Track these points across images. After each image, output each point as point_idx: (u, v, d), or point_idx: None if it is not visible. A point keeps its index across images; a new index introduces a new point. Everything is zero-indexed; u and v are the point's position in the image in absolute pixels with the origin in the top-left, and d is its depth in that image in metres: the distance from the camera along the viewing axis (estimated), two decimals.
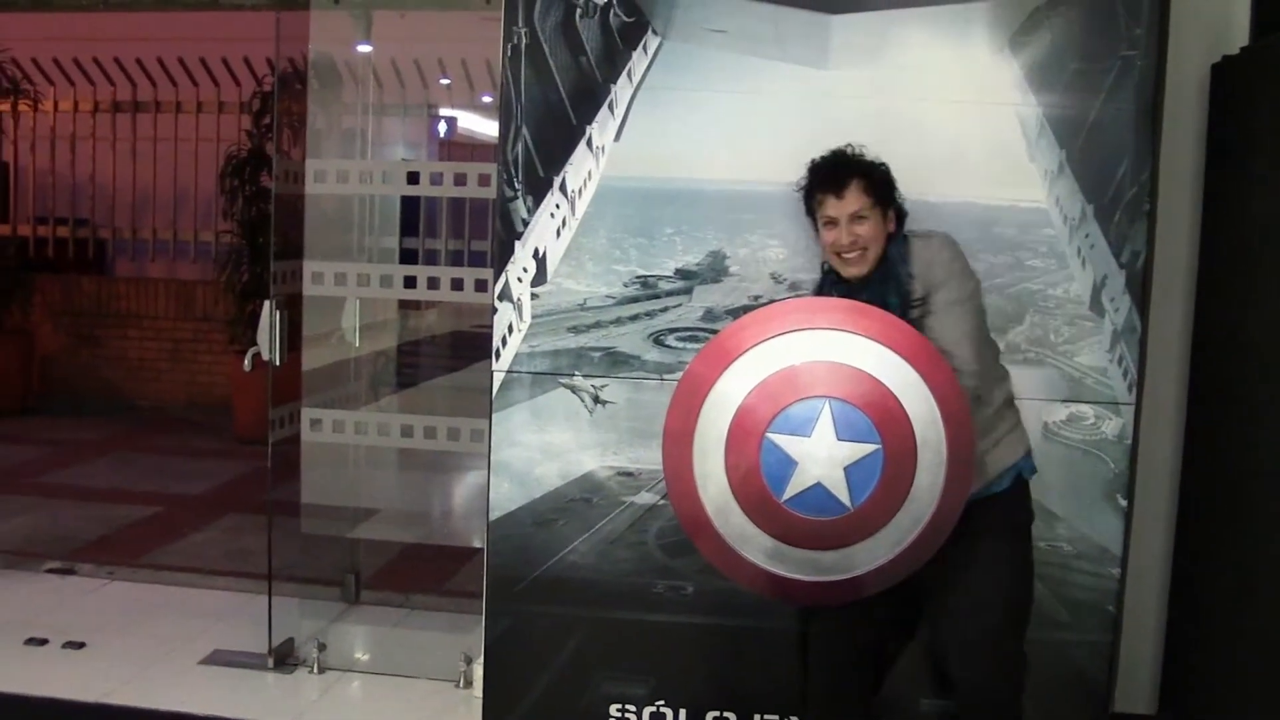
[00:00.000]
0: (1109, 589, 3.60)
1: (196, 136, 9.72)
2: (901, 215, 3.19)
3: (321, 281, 4.48)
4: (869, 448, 3.04)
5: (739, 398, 3.10)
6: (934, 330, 3.06)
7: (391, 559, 5.88)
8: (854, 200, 3.08)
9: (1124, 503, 3.59)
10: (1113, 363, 3.55)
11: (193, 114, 9.78)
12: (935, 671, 3.54)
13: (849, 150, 3.17)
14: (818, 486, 3.05)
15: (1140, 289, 3.52)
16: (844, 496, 3.04)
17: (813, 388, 3.07)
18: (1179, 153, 3.80)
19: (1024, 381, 3.43)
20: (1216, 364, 3.75)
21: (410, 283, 4.47)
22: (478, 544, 4.26)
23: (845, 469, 3.04)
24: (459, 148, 11.03)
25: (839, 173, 3.11)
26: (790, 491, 3.06)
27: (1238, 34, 3.86)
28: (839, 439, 3.04)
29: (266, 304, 4.45)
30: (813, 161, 3.19)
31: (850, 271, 3.12)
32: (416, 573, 5.75)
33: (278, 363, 4.46)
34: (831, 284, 3.23)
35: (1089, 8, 3.49)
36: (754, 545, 3.14)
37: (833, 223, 3.11)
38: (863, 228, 3.08)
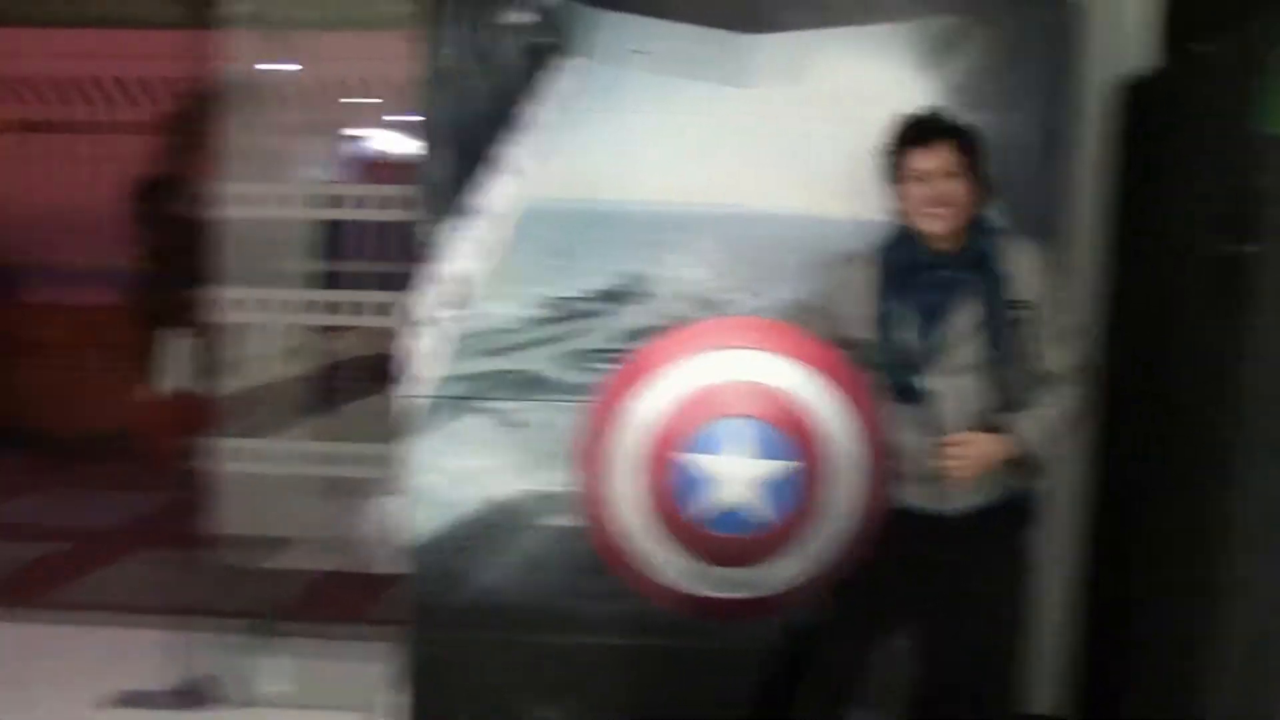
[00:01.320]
0: None
1: (106, 158, 9.71)
2: (991, 191, 3.18)
3: (240, 308, 4.57)
4: (785, 465, 3.19)
5: (654, 418, 3.24)
6: (1037, 354, 3.09)
7: (310, 588, 5.91)
8: (945, 155, 3.07)
9: None
10: None
11: (103, 134, 9.77)
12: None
13: (941, 110, 3.22)
14: (734, 505, 3.19)
15: None
16: (760, 514, 3.19)
17: (728, 406, 3.22)
18: (1089, 171, 3.98)
19: None
20: (1124, 366, 3.92)
21: (332, 308, 4.56)
22: (398, 570, 4.34)
23: (761, 486, 3.18)
24: (381, 169, 11.13)
25: (932, 127, 3.14)
26: (706, 510, 3.20)
27: (1143, 56, 4.06)
28: (755, 457, 3.18)
29: (180, 332, 4.52)
30: (902, 118, 3.20)
31: (936, 226, 3.08)
32: (336, 601, 5.79)
33: (194, 391, 4.55)
34: (905, 250, 3.17)
35: (1004, 30, 3.67)
36: (671, 565, 3.28)
37: (922, 178, 3.08)
38: (953, 185, 3.06)
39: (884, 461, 3.23)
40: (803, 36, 3.72)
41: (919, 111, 3.20)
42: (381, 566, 5.27)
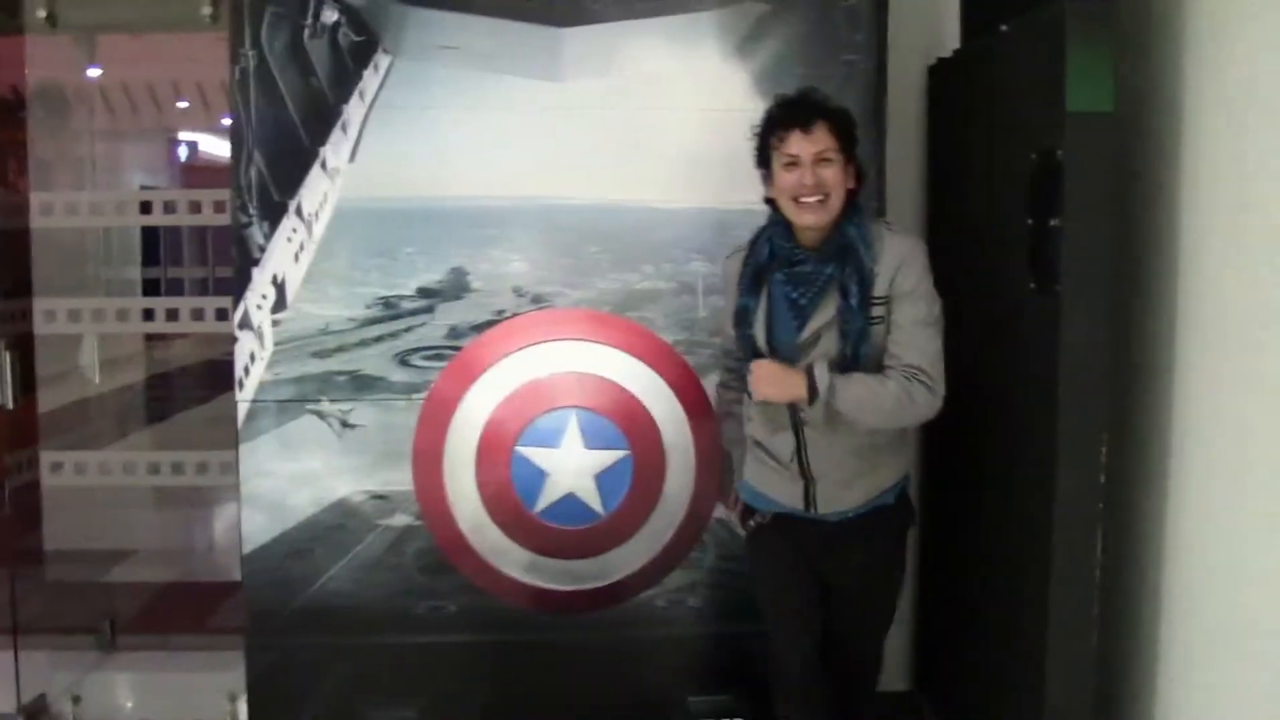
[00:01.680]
0: None
1: None
2: (863, 175, 3.10)
3: (54, 319, 4.52)
4: (618, 454, 3.29)
5: (486, 413, 3.31)
6: (901, 346, 2.95)
7: (148, 600, 5.87)
8: (821, 138, 2.96)
9: None
10: None
11: None
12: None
13: (815, 92, 3.09)
14: (569, 496, 3.28)
15: None
16: (596, 504, 3.28)
17: (559, 398, 3.30)
18: (904, 153, 4.11)
19: None
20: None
21: (149, 315, 4.53)
22: (237, 577, 4.34)
23: (596, 477, 3.28)
24: (200, 172, 10.99)
25: (807, 109, 3.01)
26: (543, 503, 3.29)
27: (949, 37, 4.21)
28: (588, 448, 3.27)
29: None
30: (776, 98, 3.12)
31: (808, 219, 2.97)
32: (176, 612, 5.76)
33: (9, 405, 4.47)
34: (779, 246, 3.07)
35: (811, 16, 3.78)
36: (511, 559, 3.37)
37: (794, 163, 2.96)
38: (828, 171, 2.95)
39: (712, 446, 3.32)
40: (612, 28, 3.78)
41: (793, 93, 3.11)
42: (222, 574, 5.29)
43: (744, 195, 3.67)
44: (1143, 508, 3.27)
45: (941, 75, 4.12)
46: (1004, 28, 3.59)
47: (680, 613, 3.70)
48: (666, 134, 3.76)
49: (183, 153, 11.45)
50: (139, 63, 5.60)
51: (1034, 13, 3.31)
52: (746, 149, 3.55)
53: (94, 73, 5.27)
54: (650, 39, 3.79)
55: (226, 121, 4.51)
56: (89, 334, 4.95)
